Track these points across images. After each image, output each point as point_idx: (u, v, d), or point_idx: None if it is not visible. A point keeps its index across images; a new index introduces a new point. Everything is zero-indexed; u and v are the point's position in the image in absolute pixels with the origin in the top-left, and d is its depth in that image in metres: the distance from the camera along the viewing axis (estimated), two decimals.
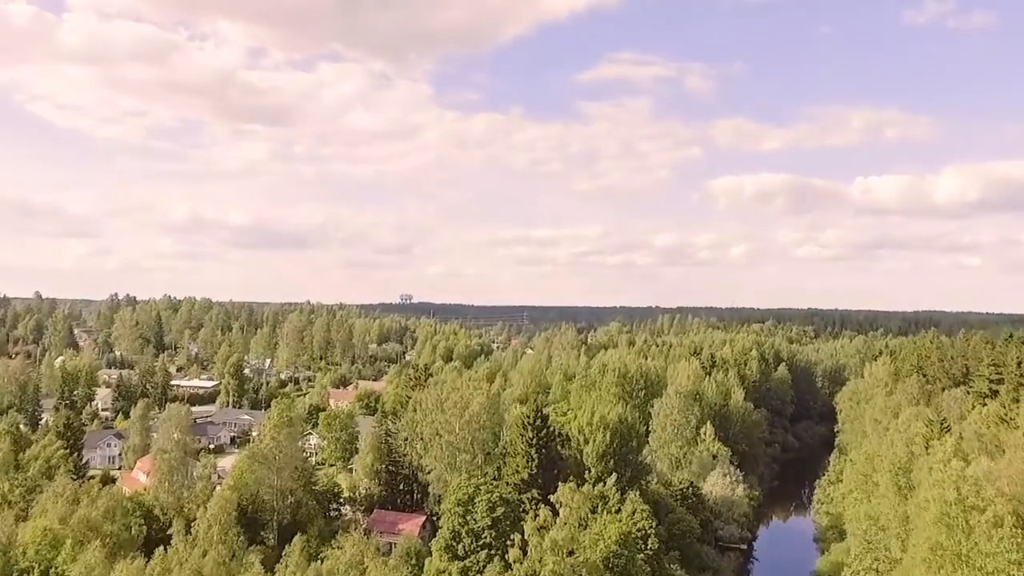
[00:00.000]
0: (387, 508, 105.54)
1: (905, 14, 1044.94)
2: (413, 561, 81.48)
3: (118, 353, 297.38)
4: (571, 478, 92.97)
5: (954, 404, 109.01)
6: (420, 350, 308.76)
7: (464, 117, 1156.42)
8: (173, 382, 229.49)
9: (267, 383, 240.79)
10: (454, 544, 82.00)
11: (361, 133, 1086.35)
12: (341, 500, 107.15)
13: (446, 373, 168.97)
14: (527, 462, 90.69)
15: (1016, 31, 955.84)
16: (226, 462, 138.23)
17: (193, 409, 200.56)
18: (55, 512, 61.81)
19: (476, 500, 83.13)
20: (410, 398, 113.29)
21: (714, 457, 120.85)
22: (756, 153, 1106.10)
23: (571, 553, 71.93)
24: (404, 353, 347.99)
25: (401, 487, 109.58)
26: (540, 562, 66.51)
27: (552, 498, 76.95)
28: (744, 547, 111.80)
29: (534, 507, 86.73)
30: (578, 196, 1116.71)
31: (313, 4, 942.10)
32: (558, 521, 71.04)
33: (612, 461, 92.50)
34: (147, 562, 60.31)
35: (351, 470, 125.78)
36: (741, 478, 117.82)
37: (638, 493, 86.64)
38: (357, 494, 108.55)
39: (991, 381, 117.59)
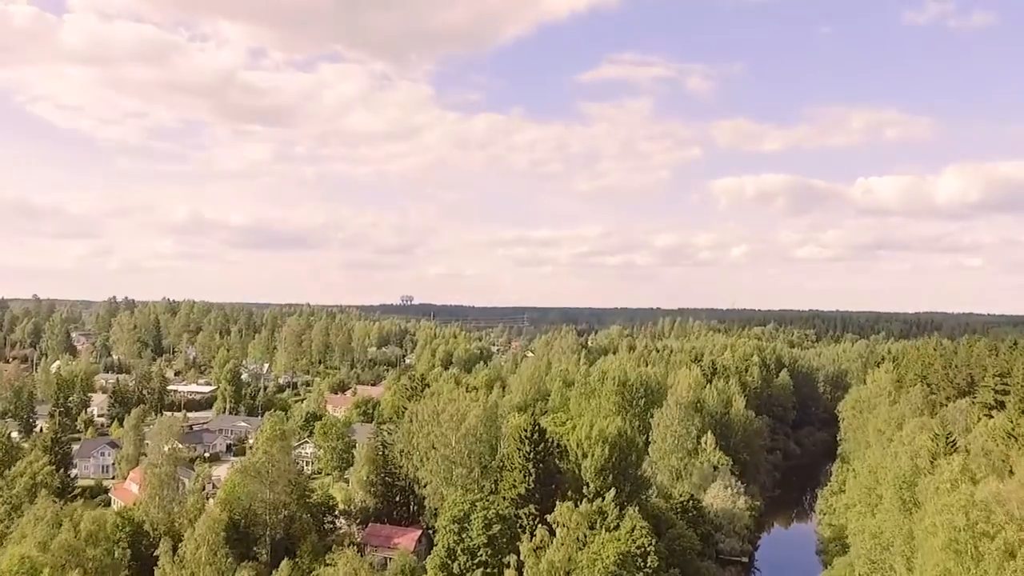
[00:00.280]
0: (383, 521, 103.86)
1: (905, 14, 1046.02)
2: None
3: (116, 357, 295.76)
4: (569, 493, 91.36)
5: (959, 416, 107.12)
6: (420, 354, 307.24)
7: (465, 118, 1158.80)
8: (170, 387, 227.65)
9: (265, 388, 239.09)
10: (449, 562, 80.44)
11: (362, 134, 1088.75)
12: (336, 513, 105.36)
13: (443, 382, 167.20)
14: (524, 477, 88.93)
15: (1016, 31, 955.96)
16: (222, 470, 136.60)
17: (190, 415, 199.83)
18: (34, 537, 59.90)
19: (472, 517, 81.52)
20: (407, 408, 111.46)
21: (715, 468, 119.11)
22: (757, 153, 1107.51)
23: (568, 574, 70.35)
24: (404, 356, 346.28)
25: (397, 499, 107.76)
26: None
27: (549, 518, 75.41)
28: (745, 560, 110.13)
29: (531, 523, 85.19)
30: (578, 197, 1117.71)
31: (313, 5, 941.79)
32: (555, 542, 69.42)
33: (611, 476, 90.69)
34: None
35: (347, 480, 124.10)
36: (742, 489, 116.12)
37: (637, 508, 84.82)
38: (352, 507, 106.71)
39: (997, 392, 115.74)
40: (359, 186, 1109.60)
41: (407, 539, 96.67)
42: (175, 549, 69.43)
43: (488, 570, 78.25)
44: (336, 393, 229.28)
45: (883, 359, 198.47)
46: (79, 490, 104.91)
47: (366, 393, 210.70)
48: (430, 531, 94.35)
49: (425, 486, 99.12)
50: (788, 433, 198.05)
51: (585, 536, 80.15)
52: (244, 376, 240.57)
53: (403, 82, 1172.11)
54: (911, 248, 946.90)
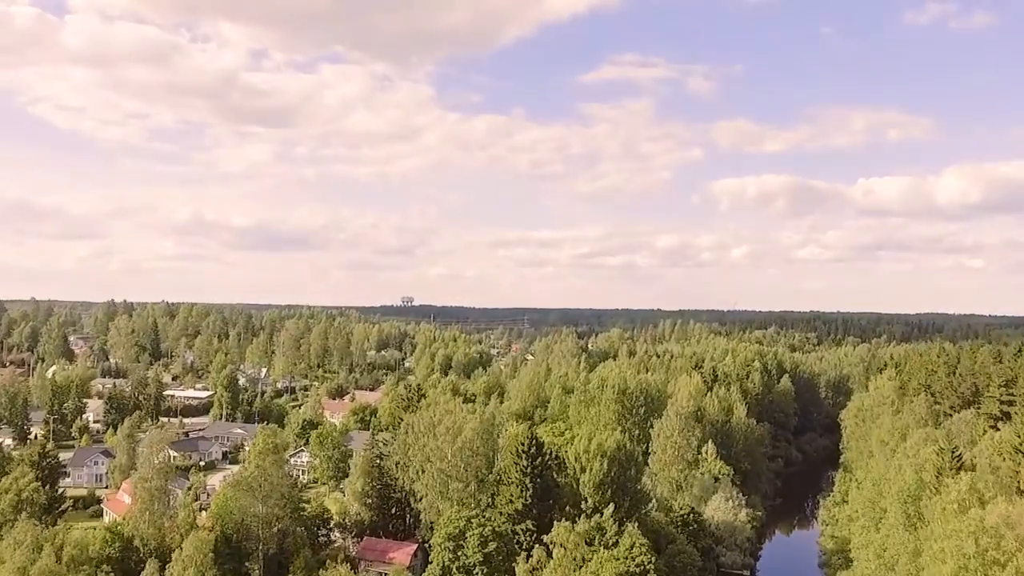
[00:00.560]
0: (378, 534, 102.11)
1: (906, 15, 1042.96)
2: None
3: (113, 361, 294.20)
4: (567, 508, 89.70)
5: (964, 428, 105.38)
6: (419, 358, 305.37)
7: (465, 118, 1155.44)
8: (167, 392, 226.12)
9: (262, 393, 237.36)
10: None
11: (363, 134, 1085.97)
12: (331, 526, 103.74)
13: (441, 390, 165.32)
14: (521, 492, 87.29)
15: (1017, 32, 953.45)
16: (217, 479, 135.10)
17: (186, 421, 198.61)
18: (13, 563, 58.31)
19: (468, 534, 79.88)
20: (403, 420, 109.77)
21: (716, 479, 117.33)
22: (758, 154, 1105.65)
23: None
24: (403, 360, 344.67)
25: (393, 512, 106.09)
26: None
27: (546, 538, 73.77)
28: (747, 573, 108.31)
29: (528, 539, 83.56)
30: (579, 198, 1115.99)
31: (314, 5, 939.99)
32: (551, 563, 67.75)
33: (610, 491, 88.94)
34: None
35: (343, 491, 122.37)
36: (744, 501, 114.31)
37: (637, 524, 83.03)
38: (347, 519, 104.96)
39: (1002, 402, 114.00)
40: (360, 187, 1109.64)
41: (402, 554, 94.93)
42: (163, 569, 67.76)
43: None
44: (334, 399, 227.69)
45: (885, 365, 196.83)
46: (70, 502, 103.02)
47: (364, 399, 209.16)
48: (426, 545, 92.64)
49: (421, 499, 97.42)
50: (790, 440, 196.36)
51: (583, 555, 78.54)
52: (242, 381, 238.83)
53: (404, 83, 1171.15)
54: (912, 249, 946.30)
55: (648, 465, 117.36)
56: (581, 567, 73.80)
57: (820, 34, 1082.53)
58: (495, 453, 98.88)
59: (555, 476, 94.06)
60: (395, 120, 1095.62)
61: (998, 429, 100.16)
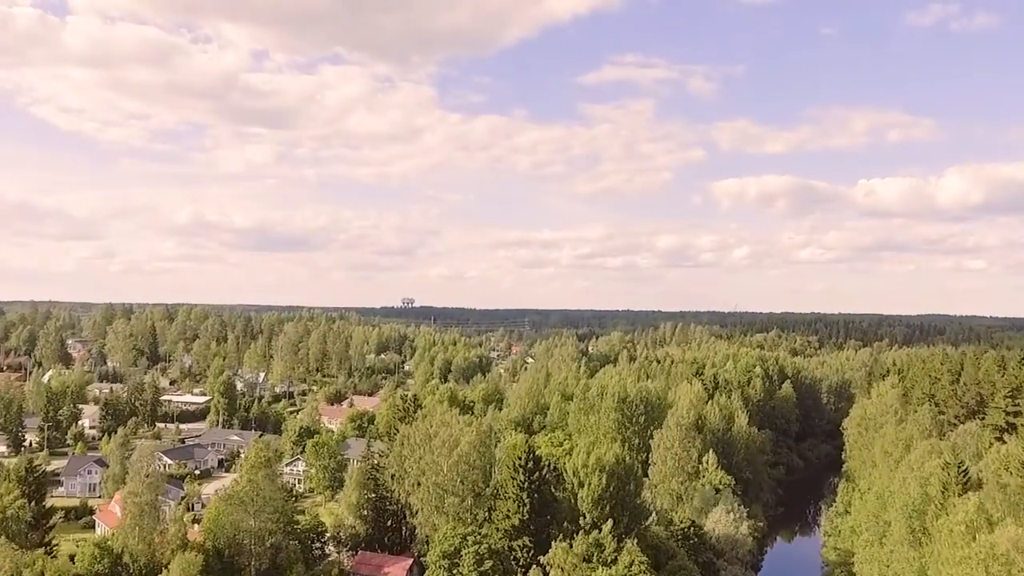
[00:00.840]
0: (374, 548, 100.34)
1: (908, 16, 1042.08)
2: None
3: (111, 366, 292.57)
4: (565, 523, 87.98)
5: (970, 439, 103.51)
6: (418, 363, 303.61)
7: (467, 119, 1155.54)
8: (164, 397, 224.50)
9: (260, 399, 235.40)
10: None
11: (363, 135, 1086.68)
12: (325, 539, 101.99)
13: (438, 399, 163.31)
14: (518, 507, 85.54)
15: (1019, 33, 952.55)
16: (213, 487, 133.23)
17: (183, 427, 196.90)
18: None
19: (463, 552, 78.20)
20: (399, 431, 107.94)
21: (717, 491, 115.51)
22: (759, 155, 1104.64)
23: None
24: (403, 363, 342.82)
25: (388, 525, 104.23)
26: None
27: (543, 559, 72.11)
28: None
29: (525, 556, 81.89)
30: (580, 198, 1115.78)
31: (315, 6, 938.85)
32: None
33: (608, 506, 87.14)
34: None
35: (338, 501, 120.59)
36: (745, 513, 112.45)
37: (636, 540, 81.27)
38: (342, 533, 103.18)
39: (1008, 413, 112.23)
40: (361, 188, 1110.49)
41: (398, 568, 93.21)
42: None
43: None
44: (332, 404, 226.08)
45: (888, 371, 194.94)
46: (60, 515, 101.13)
47: (362, 405, 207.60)
48: (422, 559, 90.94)
49: (416, 513, 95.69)
50: (791, 446, 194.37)
51: (582, 569, 76.87)
52: (239, 386, 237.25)
53: (405, 84, 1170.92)
54: (913, 250, 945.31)
55: (648, 477, 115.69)
56: None
57: (821, 35, 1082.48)
58: (492, 465, 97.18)
59: (553, 491, 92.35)
60: (396, 121, 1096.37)
61: (1004, 441, 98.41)
